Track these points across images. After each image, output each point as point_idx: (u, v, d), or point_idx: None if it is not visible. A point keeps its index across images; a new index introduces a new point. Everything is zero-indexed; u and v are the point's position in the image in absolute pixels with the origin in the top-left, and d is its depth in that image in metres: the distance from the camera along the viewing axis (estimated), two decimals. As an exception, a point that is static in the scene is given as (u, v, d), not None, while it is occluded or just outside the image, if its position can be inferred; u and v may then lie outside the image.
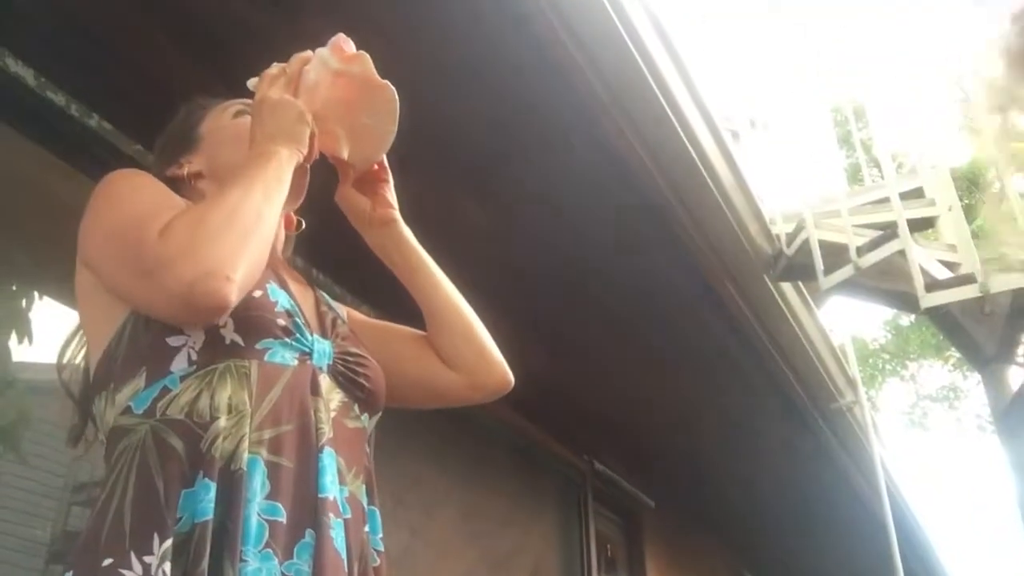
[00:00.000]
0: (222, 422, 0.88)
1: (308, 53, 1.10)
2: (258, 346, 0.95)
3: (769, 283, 3.50)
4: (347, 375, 1.04)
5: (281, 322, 0.97)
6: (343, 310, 1.23)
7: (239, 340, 0.93)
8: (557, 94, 2.30)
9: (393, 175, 1.21)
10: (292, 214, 1.20)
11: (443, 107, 2.25)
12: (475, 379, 1.20)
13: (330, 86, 1.07)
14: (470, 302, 1.24)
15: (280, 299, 1.00)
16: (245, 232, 0.90)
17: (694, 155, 2.74)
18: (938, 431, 14.16)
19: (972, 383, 13.03)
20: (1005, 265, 3.06)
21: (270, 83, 1.07)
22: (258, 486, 0.86)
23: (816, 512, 5.71)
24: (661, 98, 2.51)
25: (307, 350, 0.99)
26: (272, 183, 0.96)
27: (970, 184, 11.13)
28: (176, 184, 1.10)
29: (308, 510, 0.88)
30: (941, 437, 14.20)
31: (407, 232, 1.21)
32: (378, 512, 1.03)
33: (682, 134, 2.65)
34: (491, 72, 2.21)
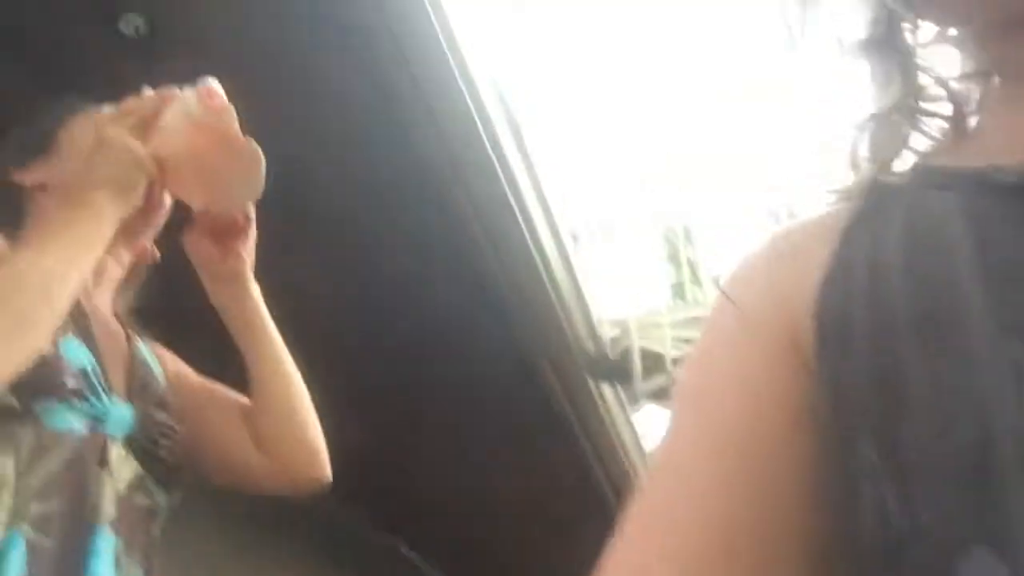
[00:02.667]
0: None
1: (171, 91, 1.03)
2: (36, 408, 0.85)
3: (590, 383, 3.62)
4: (146, 447, 0.94)
5: (70, 382, 0.87)
6: (170, 364, 1.13)
7: (13, 401, 0.83)
8: (405, 163, 2.37)
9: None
10: (147, 245, 1.11)
11: (300, 165, 2.25)
12: (285, 469, 1.08)
13: (188, 134, 1.00)
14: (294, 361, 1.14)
15: (76, 356, 0.90)
16: (20, 312, 0.79)
17: (531, 247, 2.84)
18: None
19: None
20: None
21: (117, 119, 0.98)
22: (14, 567, 0.76)
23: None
24: (507, 189, 2.61)
25: (100, 416, 0.90)
26: (78, 242, 0.87)
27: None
28: (12, 191, 1.00)
29: None
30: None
31: (254, 292, 1.11)
32: None
33: (523, 226, 2.75)
34: (355, 146, 2.27)
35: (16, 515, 0.78)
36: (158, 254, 1.14)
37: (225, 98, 1.03)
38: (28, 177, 1.02)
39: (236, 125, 1.02)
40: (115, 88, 1.08)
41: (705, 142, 4.74)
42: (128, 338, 1.07)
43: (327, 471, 1.11)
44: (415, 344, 3.05)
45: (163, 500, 0.98)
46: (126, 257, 1.09)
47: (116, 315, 1.09)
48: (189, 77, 1.04)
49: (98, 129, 0.99)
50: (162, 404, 1.01)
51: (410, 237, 2.60)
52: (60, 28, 1.81)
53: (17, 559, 0.76)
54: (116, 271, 1.08)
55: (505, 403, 3.44)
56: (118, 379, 0.97)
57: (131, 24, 1.77)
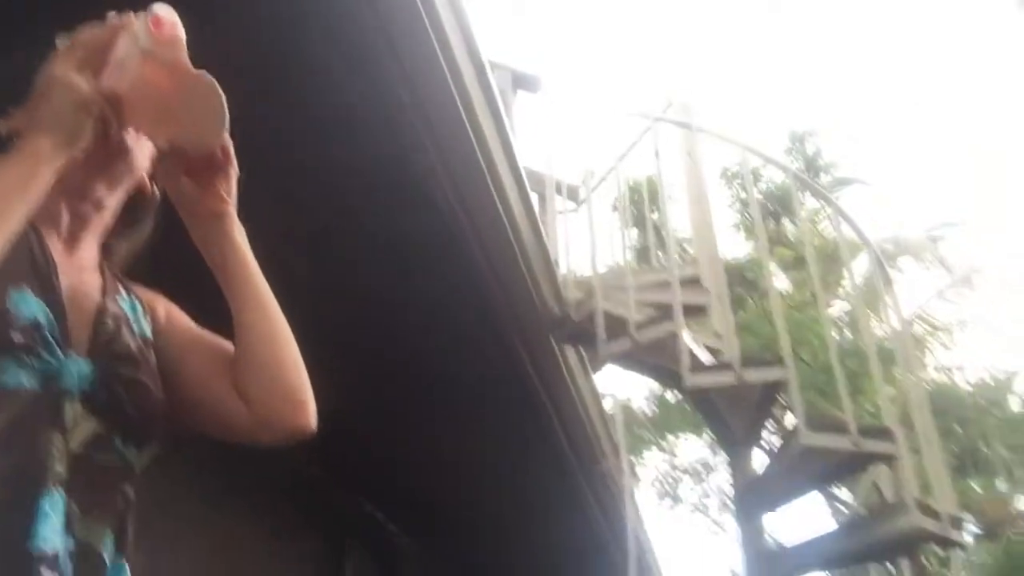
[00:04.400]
0: None
1: (127, 19, 0.93)
2: None
3: (554, 343, 3.64)
4: (108, 402, 0.89)
5: (17, 337, 0.82)
6: (162, 310, 1.06)
7: None
8: (387, 144, 2.37)
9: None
10: (147, 181, 1.05)
11: (283, 146, 2.22)
12: (263, 417, 1.01)
13: (140, 65, 0.92)
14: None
15: (26, 308, 0.85)
16: None
17: (499, 207, 2.83)
18: (687, 503, 15.12)
19: (721, 461, 14.11)
20: (759, 356, 3.37)
21: (66, 54, 0.91)
22: None
23: (570, 570, 5.90)
24: (477, 148, 2.60)
25: (53, 372, 0.85)
26: (14, 189, 0.83)
27: (742, 278, 12.26)
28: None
29: (13, 565, 0.76)
30: (688, 509, 15.15)
31: (236, 232, 1.03)
32: (127, 568, 0.89)
33: (491, 185, 2.74)
34: (339, 129, 2.24)
35: None
36: (158, 194, 1.07)
37: (175, 26, 0.94)
38: (6, 124, 0.95)
39: (184, 56, 0.94)
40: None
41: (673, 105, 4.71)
42: (104, 289, 0.99)
43: (312, 421, 1.03)
44: (386, 302, 3.04)
45: (134, 457, 0.92)
46: (111, 201, 1.02)
47: (102, 263, 1.03)
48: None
49: (47, 66, 0.92)
50: (131, 358, 0.94)
51: (380, 187, 2.58)
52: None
53: None
54: (101, 217, 1.02)
55: (471, 364, 3.45)
56: (82, 333, 0.91)
57: None
